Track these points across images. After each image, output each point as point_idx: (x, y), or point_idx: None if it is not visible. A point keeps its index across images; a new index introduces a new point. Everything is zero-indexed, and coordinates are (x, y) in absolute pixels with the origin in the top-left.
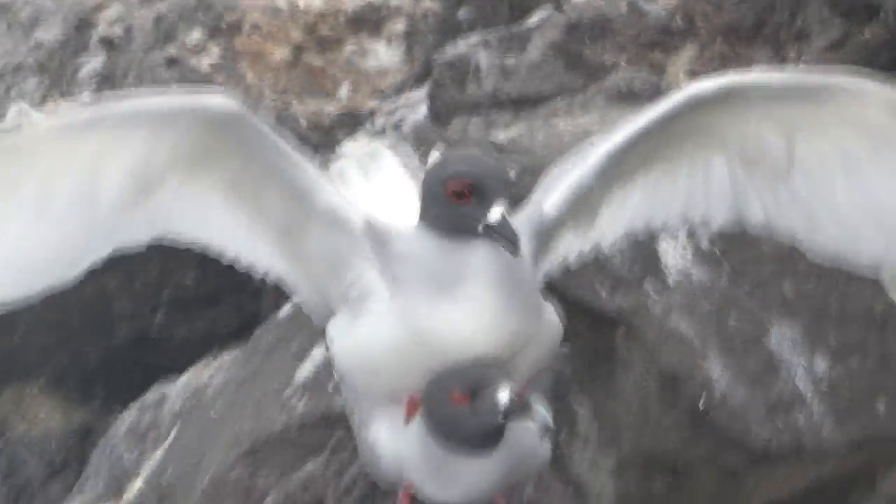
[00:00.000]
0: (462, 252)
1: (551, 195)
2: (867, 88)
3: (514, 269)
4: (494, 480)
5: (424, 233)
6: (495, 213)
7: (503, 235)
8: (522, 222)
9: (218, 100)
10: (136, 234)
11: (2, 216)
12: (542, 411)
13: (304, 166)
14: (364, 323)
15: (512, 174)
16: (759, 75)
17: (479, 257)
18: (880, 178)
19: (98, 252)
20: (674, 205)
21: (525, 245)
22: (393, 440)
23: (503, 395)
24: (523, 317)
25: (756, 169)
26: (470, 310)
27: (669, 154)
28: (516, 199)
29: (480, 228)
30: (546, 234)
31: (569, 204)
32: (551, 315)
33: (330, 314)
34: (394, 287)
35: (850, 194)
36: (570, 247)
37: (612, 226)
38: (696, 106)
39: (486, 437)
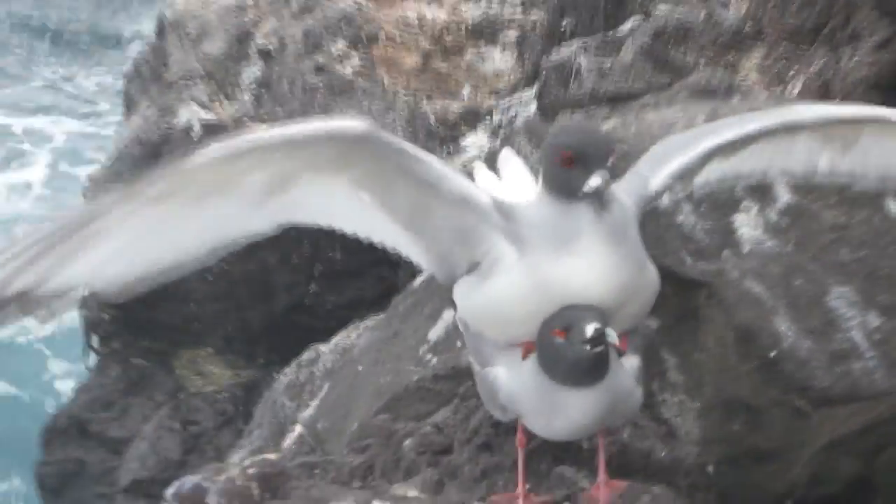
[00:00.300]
0: (577, 212)
1: (659, 172)
2: None
3: (622, 227)
4: (594, 415)
5: (544, 198)
6: (594, 180)
7: (598, 197)
8: (629, 190)
9: (351, 124)
10: (277, 219)
11: (191, 214)
12: (636, 360)
13: (430, 162)
14: (495, 281)
15: (613, 148)
16: (834, 109)
17: (592, 216)
18: None
19: (236, 236)
20: (761, 166)
21: (630, 208)
22: (509, 377)
23: (590, 328)
24: (631, 269)
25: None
26: (587, 261)
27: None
28: (617, 173)
29: (581, 192)
30: (650, 202)
31: (672, 181)
32: (652, 270)
33: (453, 278)
34: (521, 249)
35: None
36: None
37: (705, 180)
38: (792, 126)
39: (585, 369)
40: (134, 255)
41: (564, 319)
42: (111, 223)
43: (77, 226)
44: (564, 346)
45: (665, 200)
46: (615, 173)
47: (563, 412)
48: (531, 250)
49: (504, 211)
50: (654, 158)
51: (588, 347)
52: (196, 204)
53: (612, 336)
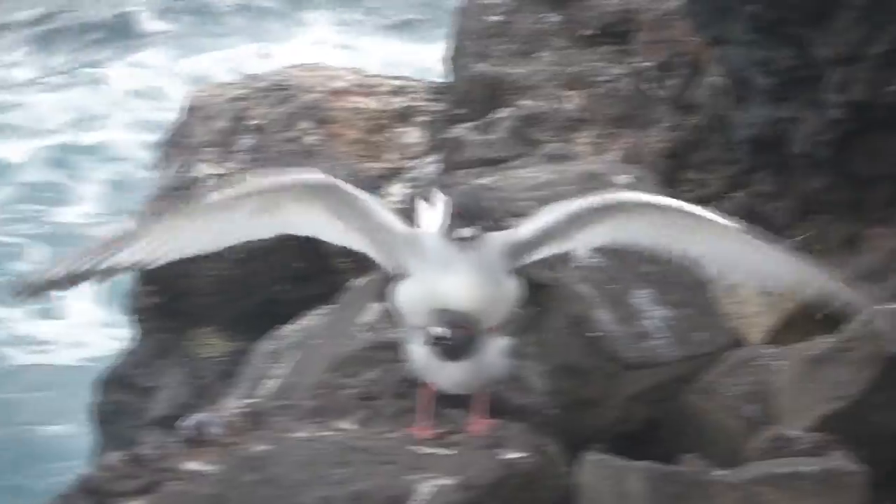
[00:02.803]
0: (456, 248)
1: (528, 227)
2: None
3: (487, 259)
4: (465, 380)
5: (442, 235)
6: (466, 231)
7: (469, 243)
8: (504, 236)
9: (316, 176)
10: (265, 232)
11: (198, 230)
12: (505, 341)
13: (368, 201)
14: (404, 288)
15: (486, 209)
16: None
17: (465, 252)
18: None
19: (238, 240)
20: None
21: (500, 247)
22: (416, 351)
23: (434, 331)
24: (490, 287)
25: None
26: (457, 280)
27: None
28: (491, 224)
29: (459, 237)
30: (520, 246)
31: (538, 233)
32: (511, 288)
33: (396, 272)
34: (420, 267)
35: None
36: (548, 252)
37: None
38: (620, 207)
39: (440, 354)
40: (162, 244)
41: (432, 319)
42: (161, 229)
43: (140, 231)
44: (426, 338)
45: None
46: (486, 228)
47: (443, 375)
48: (426, 266)
49: (411, 240)
50: (531, 218)
51: (432, 342)
52: (214, 220)
53: (447, 333)
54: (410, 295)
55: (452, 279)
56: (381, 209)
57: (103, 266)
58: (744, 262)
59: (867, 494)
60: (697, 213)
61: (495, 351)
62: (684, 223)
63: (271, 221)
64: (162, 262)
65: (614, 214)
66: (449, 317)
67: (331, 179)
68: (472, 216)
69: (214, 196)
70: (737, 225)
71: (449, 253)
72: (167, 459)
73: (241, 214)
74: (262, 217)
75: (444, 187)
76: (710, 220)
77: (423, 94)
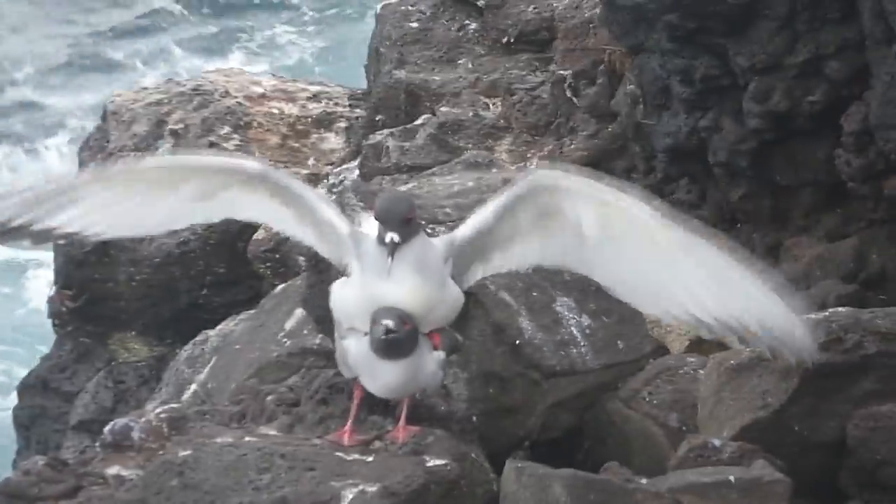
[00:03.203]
0: (399, 250)
1: (463, 227)
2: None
3: (425, 262)
4: (398, 380)
5: (375, 241)
6: (388, 236)
7: (387, 250)
8: (443, 240)
9: (253, 163)
10: (209, 216)
11: (128, 200)
12: (441, 354)
13: (309, 193)
14: (344, 289)
15: (409, 212)
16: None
17: (408, 253)
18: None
19: (184, 222)
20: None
21: (439, 250)
22: (355, 348)
23: (384, 323)
24: (431, 289)
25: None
26: (398, 283)
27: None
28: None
29: (383, 242)
30: (459, 249)
31: (472, 234)
32: (454, 291)
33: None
34: (362, 268)
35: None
36: (482, 270)
37: (502, 263)
38: (537, 192)
39: (384, 348)
40: (102, 217)
41: (377, 315)
42: (87, 191)
43: (64, 188)
44: (373, 333)
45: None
46: (409, 231)
47: (380, 377)
48: (366, 271)
49: (356, 239)
50: (466, 220)
51: (382, 335)
52: (148, 193)
53: (396, 326)
54: (352, 295)
55: (394, 285)
56: (326, 204)
57: (37, 227)
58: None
59: (791, 503)
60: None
61: (431, 360)
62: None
63: (212, 204)
64: (98, 235)
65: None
66: (395, 313)
67: (275, 168)
68: (393, 220)
69: (149, 162)
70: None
71: (384, 264)
72: (89, 464)
73: (183, 194)
74: (204, 199)
75: (364, 193)
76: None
77: (342, 100)
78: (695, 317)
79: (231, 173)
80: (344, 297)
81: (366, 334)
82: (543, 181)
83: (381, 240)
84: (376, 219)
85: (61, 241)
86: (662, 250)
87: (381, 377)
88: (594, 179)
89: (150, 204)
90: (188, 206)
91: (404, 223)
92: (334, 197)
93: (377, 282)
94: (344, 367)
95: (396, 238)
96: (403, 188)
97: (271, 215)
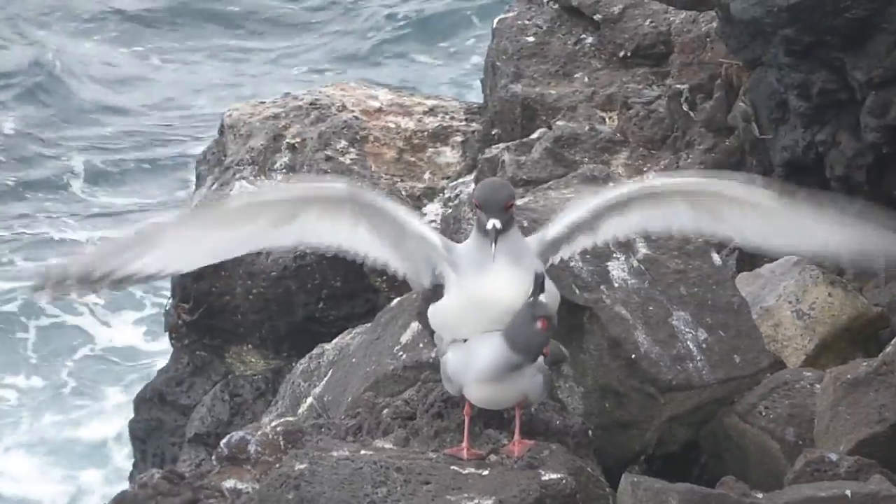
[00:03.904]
0: (488, 244)
1: (555, 226)
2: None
3: (520, 255)
4: (502, 393)
5: (474, 235)
6: (490, 223)
7: (490, 236)
8: (534, 238)
9: (337, 185)
10: (310, 241)
11: (208, 236)
12: (540, 360)
13: (398, 209)
14: (443, 299)
15: (510, 199)
16: (676, 180)
17: (505, 245)
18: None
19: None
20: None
21: (531, 247)
22: (452, 359)
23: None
24: (528, 281)
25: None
26: (496, 279)
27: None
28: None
29: (485, 230)
30: (549, 245)
31: (567, 230)
32: (551, 286)
33: (422, 286)
34: (458, 273)
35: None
36: (574, 248)
37: (598, 238)
38: (650, 193)
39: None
40: (182, 255)
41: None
42: (168, 236)
43: (145, 236)
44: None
45: (567, 254)
46: (509, 220)
47: (478, 391)
48: (463, 274)
49: (448, 247)
50: (556, 217)
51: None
52: (229, 228)
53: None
54: (450, 301)
55: (493, 278)
56: (416, 217)
57: (118, 274)
58: (785, 231)
59: None
60: (727, 187)
61: (531, 368)
62: (714, 201)
63: (290, 230)
64: (180, 270)
65: (643, 202)
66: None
67: (356, 187)
68: (495, 206)
69: (232, 203)
70: (771, 192)
71: (485, 256)
72: (205, 477)
73: (261, 223)
74: (282, 226)
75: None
76: (742, 193)
77: (458, 114)
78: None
79: (317, 198)
80: (443, 307)
81: (465, 340)
82: (654, 184)
83: (481, 227)
84: (477, 205)
85: (140, 284)
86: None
87: (485, 358)
88: (704, 177)
89: (231, 236)
90: (267, 234)
91: (505, 210)
92: (450, 211)
93: (476, 278)
94: (448, 383)
95: (499, 224)
96: (520, 202)
97: (352, 237)
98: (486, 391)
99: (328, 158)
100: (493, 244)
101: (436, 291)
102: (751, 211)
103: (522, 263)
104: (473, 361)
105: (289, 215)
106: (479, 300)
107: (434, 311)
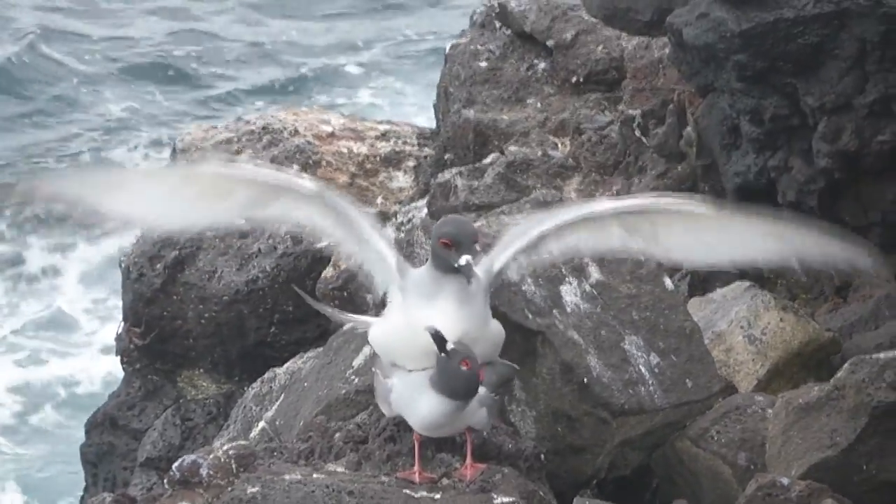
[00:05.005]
0: (445, 280)
1: (500, 256)
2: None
3: (473, 294)
4: (442, 418)
5: (429, 268)
6: (463, 259)
7: (465, 272)
8: (480, 270)
9: (309, 183)
10: (259, 223)
11: (180, 198)
12: (484, 390)
13: (362, 219)
14: (387, 320)
15: (476, 235)
16: (628, 202)
17: (452, 285)
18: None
19: (229, 224)
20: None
21: (479, 282)
22: (398, 386)
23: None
24: (474, 322)
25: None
26: (440, 313)
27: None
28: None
29: (455, 266)
30: (495, 277)
31: (511, 260)
32: (496, 325)
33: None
34: (405, 298)
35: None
36: (515, 271)
37: (543, 257)
38: (587, 217)
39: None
40: (149, 209)
41: (455, 349)
42: (142, 182)
43: (121, 176)
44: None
45: (515, 276)
46: (477, 256)
47: (422, 412)
48: (410, 300)
49: (402, 271)
50: (500, 245)
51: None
52: (201, 197)
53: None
54: (393, 326)
55: (437, 312)
56: (377, 232)
57: (90, 200)
58: (726, 244)
59: None
60: (664, 205)
61: (472, 404)
62: (644, 218)
63: (264, 214)
64: (149, 222)
65: (578, 225)
66: (462, 349)
67: (330, 190)
68: (468, 242)
69: (205, 168)
70: (707, 206)
71: (436, 285)
72: (157, 501)
73: (235, 201)
74: (256, 209)
75: (427, 233)
76: (672, 204)
77: (411, 139)
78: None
79: (286, 190)
80: (385, 329)
81: (410, 371)
82: (595, 209)
83: (443, 263)
84: (445, 243)
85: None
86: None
87: (424, 414)
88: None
89: (202, 206)
90: (239, 212)
91: (475, 245)
92: (403, 235)
93: (422, 309)
94: (384, 404)
95: (472, 260)
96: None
97: (321, 231)
98: (430, 431)
99: None
100: (469, 280)
101: (382, 308)
102: (678, 224)
103: (470, 303)
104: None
105: (263, 199)
106: (418, 331)
107: (376, 332)
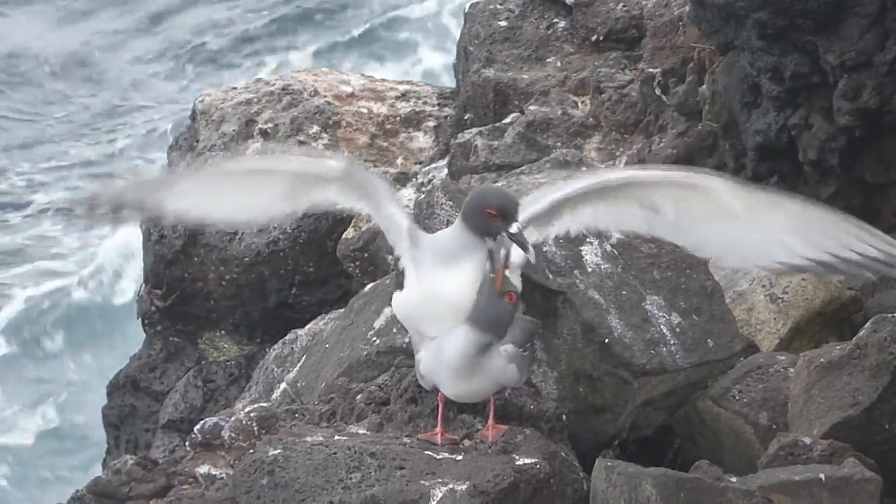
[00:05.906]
0: (472, 247)
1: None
2: (714, 181)
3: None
4: (475, 386)
5: (459, 231)
6: (514, 227)
7: (519, 241)
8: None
9: (335, 163)
10: (299, 208)
11: (222, 195)
12: (510, 347)
13: (381, 189)
14: (400, 293)
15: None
16: (644, 173)
17: (480, 252)
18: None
19: (281, 215)
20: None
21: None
22: (424, 358)
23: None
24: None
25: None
26: (456, 276)
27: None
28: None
29: (505, 235)
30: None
31: (529, 220)
32: (515, 279)
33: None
34: (417, 268)
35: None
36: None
37: (559, 229)
38: (610, 185)
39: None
40: (200, 209)
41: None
42: (183, 185)
43: (161, 183)
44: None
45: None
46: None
47: (451, 385)
48: (426, 266)
49: (413, 237)
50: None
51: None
52: (236, 189)
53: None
54: (408, 294)
55: (452, 270)
56: (393, 202)
57: (149, 201)
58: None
59: (881, 502)
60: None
61: (499, 357)
62: (673, 196)
63: (301, 201)
64: (195, 215)
65: (595, 198)
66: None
67: (353, 166)
68: (515, 211)
69: (235, 164)
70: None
71: (463, 249)
72: (179, 463)
73: (271, 193)
74: (292, 198)
75: (452, 192)
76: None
77: (431, 99)
78: (784, 263)
79: (314, 177)
80: (403, 298)
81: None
82: (612, 177)
83: (487, 229)
84: (492, 213)
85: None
86: (741, 214)
87: (452, 355)
88: (661, 169)
89: (245, 201)
90: (279, 204)
91: (510, 219)
92: (423, 196)
93: (440, 274)
94: (422, 380)
95: (519, 227)
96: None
97: (351, 207)
98: (461, 387)
99: (301, 144)
100: (528, 249)
101: (399, 279)
102: (699, 205)
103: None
104: (443, 356)
105: (295, 186)
106: (433, 294)
107: (395, 303)
